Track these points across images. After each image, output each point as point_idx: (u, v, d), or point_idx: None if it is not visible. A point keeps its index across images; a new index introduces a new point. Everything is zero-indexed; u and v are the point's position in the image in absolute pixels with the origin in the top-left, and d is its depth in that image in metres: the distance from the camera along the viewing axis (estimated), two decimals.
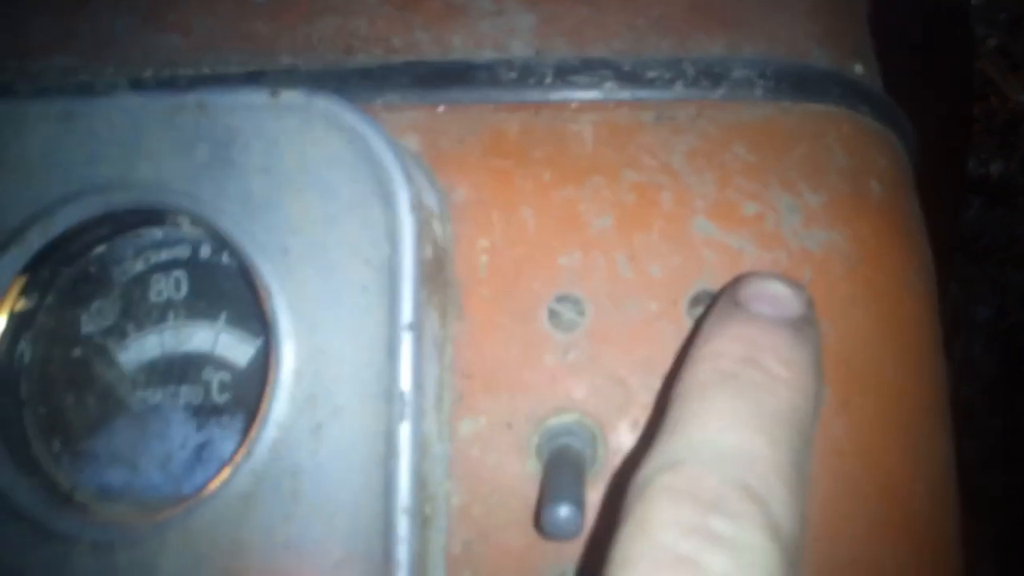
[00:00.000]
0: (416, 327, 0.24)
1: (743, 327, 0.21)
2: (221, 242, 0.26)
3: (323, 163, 0.25)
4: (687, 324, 0.25)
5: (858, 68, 0.30)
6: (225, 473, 0.24)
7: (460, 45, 0.29)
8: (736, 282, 0.23)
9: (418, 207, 0.24)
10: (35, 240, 0.25)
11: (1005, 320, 1.03)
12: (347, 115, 0.25)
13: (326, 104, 0.25)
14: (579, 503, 0.22)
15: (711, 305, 0.23)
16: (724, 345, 0.21)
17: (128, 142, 0.25)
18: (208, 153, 0.25)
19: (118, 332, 0.27)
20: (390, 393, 0.23)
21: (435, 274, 0.25)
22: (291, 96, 0.25)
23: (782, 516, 0.19)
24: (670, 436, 0.20)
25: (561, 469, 0.23)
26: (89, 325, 0.27)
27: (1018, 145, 1.18)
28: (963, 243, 1.10)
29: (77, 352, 0.27)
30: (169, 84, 0.29)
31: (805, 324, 0.22)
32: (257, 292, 0.25)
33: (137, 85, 0.29)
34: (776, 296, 0.22)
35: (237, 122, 0.25)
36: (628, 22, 0.29)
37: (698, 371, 0.21)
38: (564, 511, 0.22)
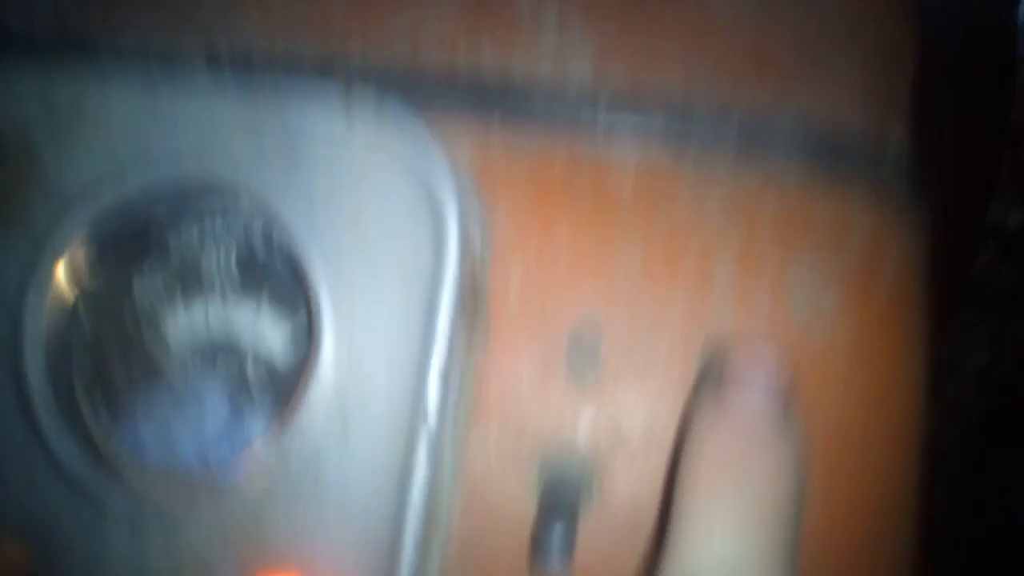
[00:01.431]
0: (448, 339, 0.25)
1: (733, 418, 0.23)
2: (274, 229, 0.27)
3: (382, 168, 0.26)
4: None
5: (895, 134, 0.31)
6: (253, 451, 0.25)
7: (520, 62, 0.30)
8: (721, 366, 0.25)
9: (465, 225, 0.26)
10: (98, 200, 0.27)
11: (997, 373, 1.04)
12: (412, 127, 0.27)
13: (394, 113, 0.27)
14: (568, 548, 0.24)
15: (702, 384, 0.25)
16: (717, 436, 0.23)
17: (201, 121, 0.27)
18: (275, 141, 0.27)
19: (166, 302, 0.28)
20: (416, 398, 0.25)
21: (470, 291, 0.27)
22: (362, 98, 0.27)
23: None
24: (676, 548, 0.22)
25: (556, 504, 0.25)
26: (139, 291, 0.28)
27: None
28: (970, 289, 1.11)
29: (125, 316, 0.28)
30: (244, 60, 0.30)
31: (791, 408, 0.24)
32: (303, 284, 0.26)
33: (213, 58, 0.30)
34: (761, 381, 0.24)
35: (306, 116, 0.27)
36: (684, 59, 0.30)
37: (695, 468, 0.23)
38: (555, 559, 0.24)
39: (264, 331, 0.28)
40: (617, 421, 0.27)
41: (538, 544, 0.24)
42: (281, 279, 0.28)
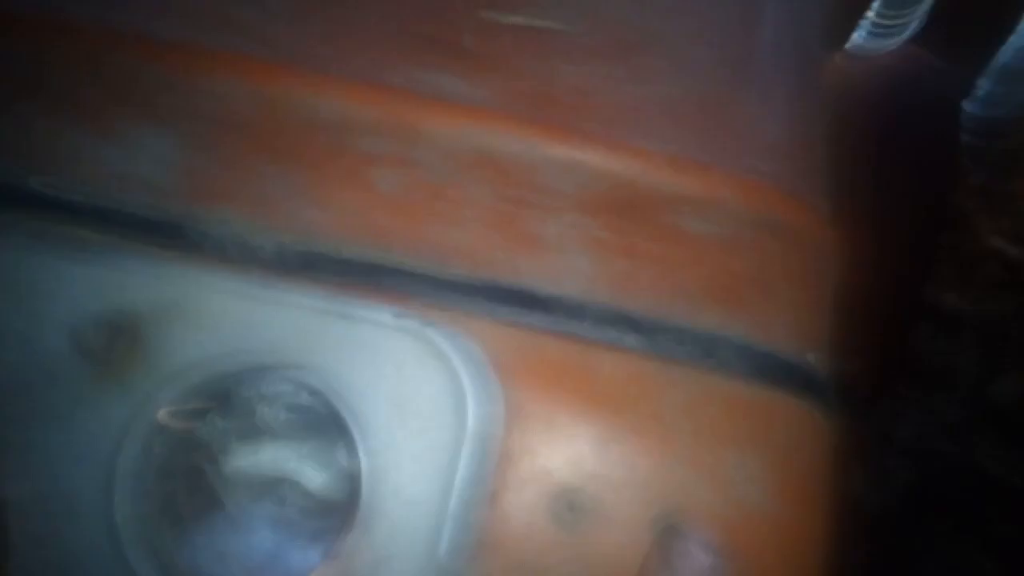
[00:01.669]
0: (463, 489, 0.33)
1: None
2: (327, 396, 0.34)
3: (420, 358, 0.34)
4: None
5: (811, 357, 0.40)
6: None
7: (527, 270, 0.37)
8: (672, 547, 0.34)
9: (484, 421, 0.34)
10: (190, 373, 0.34)
11: (922, 444, 1.14)
12: (445, 327, 0.34)
13: (430, 315, 0.34)
14: None
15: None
16: None
17: (276, 313, 0.34)
18: (335, 332, 0.34)
19: (228, 446, 0.35)
20: (435, 535, 0.33)
21: (482, 452, 0.34)
22: (410, 321, 0.35)
23: None
24: None
25: None
26: (207, 435, 0.35)
27: (975, 283, 1.28)
28: (903, 363, 1.20)
29: (195, 457, 0.35)
30: (304, 257, 0.37)
31: None
32: (347, 438, 0.34)
33: (283, 253, 0.37)
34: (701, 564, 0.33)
35: (359, 314, 0.34)
36: (656, 284, 0.38)
37: None
38: None
39: (310, 474, 0.35)
40: (595, 560, 0.35)
41: None
42: (329, 434, 0.35)
